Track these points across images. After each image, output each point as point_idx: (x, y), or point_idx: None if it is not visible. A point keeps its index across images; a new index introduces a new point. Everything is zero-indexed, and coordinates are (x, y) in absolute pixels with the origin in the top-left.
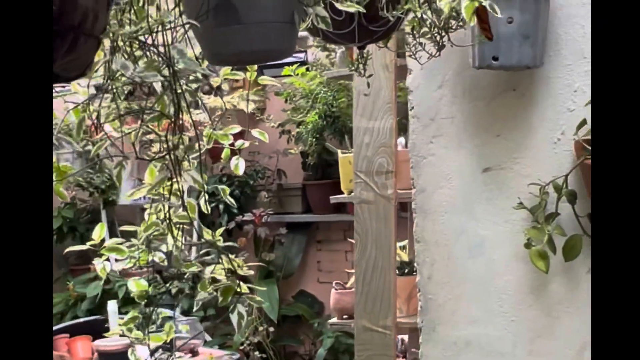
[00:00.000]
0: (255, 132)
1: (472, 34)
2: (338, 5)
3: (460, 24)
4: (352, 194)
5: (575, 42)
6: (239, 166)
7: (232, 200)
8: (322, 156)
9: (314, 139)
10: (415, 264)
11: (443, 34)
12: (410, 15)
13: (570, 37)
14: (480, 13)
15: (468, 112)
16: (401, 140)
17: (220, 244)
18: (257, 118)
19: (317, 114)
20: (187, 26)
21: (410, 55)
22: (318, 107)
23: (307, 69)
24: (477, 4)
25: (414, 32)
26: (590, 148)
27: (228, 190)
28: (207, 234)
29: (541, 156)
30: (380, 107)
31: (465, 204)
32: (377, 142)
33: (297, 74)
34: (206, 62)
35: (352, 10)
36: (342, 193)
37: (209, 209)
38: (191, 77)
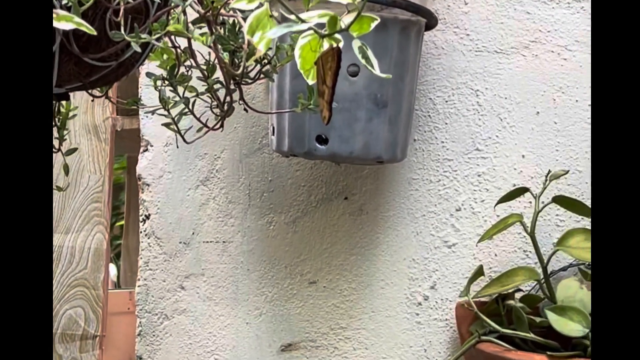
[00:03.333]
0: None
1: (273, 91)
2: None
3: (269, 70)
4: None
5: (462, 120)
6: None
7: None
8: None
9: None
10: None
11: (233, 86)
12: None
13: (454, 113)
14: (324, 66)
15: (257, 244)
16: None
17: None
18: None
19: None
20: None
21: (147, 114)
22: None
23: None
24: (329, 44)
25: (171, 73)
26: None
27: None
28: None
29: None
30: (77, 212)
31: None
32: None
33: None
34: None
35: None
36: None
37: None
38: None
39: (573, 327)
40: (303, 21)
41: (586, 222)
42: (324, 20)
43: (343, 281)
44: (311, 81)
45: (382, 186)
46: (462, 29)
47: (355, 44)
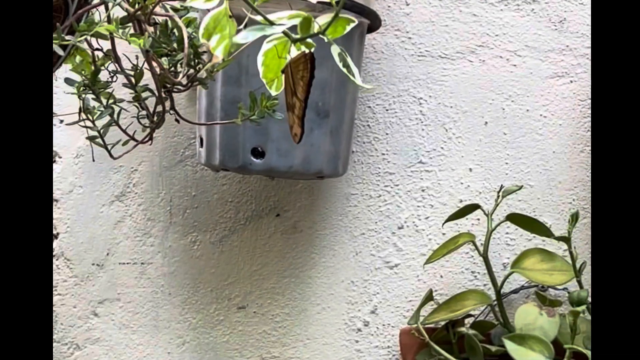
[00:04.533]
0: None
1: (201, 99)
2: None
3: (204, 76)
4: None
5: (404, 131)
6: None
7: None
8: None
9: None
10: None
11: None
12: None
13: (396, 123)
14: (294, 75)
15: (179, 265)
16: None
17: None
18: None
19: None
20: None
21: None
22: None
23: None
24: (298, 50)
25: (94, 80)
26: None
27: None
28: None
29: None
30: None
31: None
32: None
33: None
34: None
35: None
36: None
37: None
38: None
39: (534, 358)
40: (272, 23)
41: (538, 241)
42: (294, 22)
43: (275, 306)
44: (274, 92)
45: (318, 202)
46: (403, 32)
47: (335, 50)
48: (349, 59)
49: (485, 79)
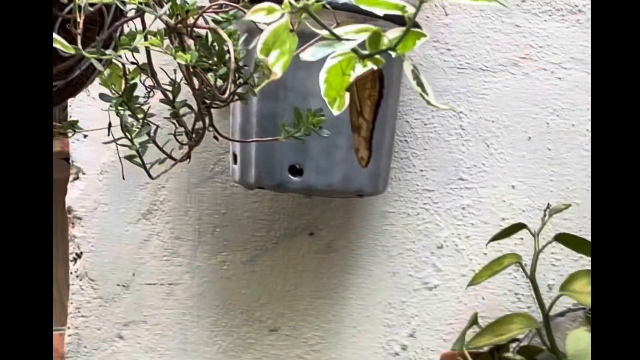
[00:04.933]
0: None
1: (235, 114)
2: None
3: (246, 91)
4: None
5: (444, 146)
6: None
7: None
8: None
9: None
10: None
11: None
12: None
13: (435, 138)
14: (360, 94)
15: (208, 286)
16: None
17: None
18: None
19: None
20: None
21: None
22: None
23: None
24: (365, 67)
25: (130, 95)
26: None
27: None
28: None
29: None
30: None
31: None
32: None
33: None
34: None
35: None
36: None
37: None
38: None
39: None
40: (339, 38)
41: (585, 262)
42: (361, 36)
43: (308, 328)
44: (337, 112)
45: (353, 220)
46: (442, 43)
47: (407, 67)
48: (422, 77)
49: (529, 92)
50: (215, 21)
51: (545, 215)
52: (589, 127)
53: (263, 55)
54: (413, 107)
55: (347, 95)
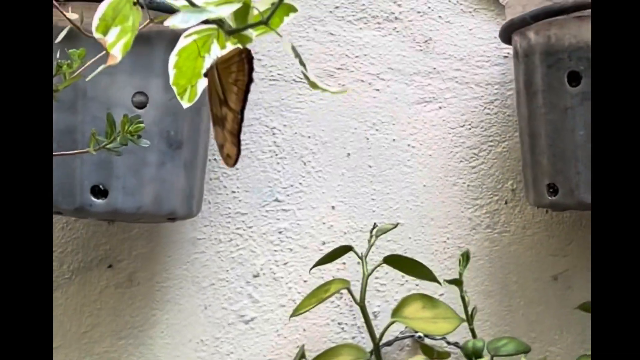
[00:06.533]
0: None
1: None
2: None
3: None
4: None
5: (257, 165)
6: None
7: None
8: None
9: None
10: None
11: None
12: None
13: (246, 156)
14: (223, 79)
15: None
16: None
17: None
18: None
19: None
20: None
21: None
22: None
23: None
24: (223, 48)
25: None
26: None
27: None
28: None
29: None
30: None
31: None
32: None
33: None
34: None
35: None
36: None
37: None
38: None
39: None
40: (197, 7)
41: (411, 286)
42: (225, 8)
43: None
44: (187, 104)
45: (158, 249)
46: (252, 53)
47: (287, 45)
48: (302, 57)
49: (346, 106)
50: None
51: (371, 237)
52: (410, 142)
53: (100, 33)
54: None
55: (204, 81)
